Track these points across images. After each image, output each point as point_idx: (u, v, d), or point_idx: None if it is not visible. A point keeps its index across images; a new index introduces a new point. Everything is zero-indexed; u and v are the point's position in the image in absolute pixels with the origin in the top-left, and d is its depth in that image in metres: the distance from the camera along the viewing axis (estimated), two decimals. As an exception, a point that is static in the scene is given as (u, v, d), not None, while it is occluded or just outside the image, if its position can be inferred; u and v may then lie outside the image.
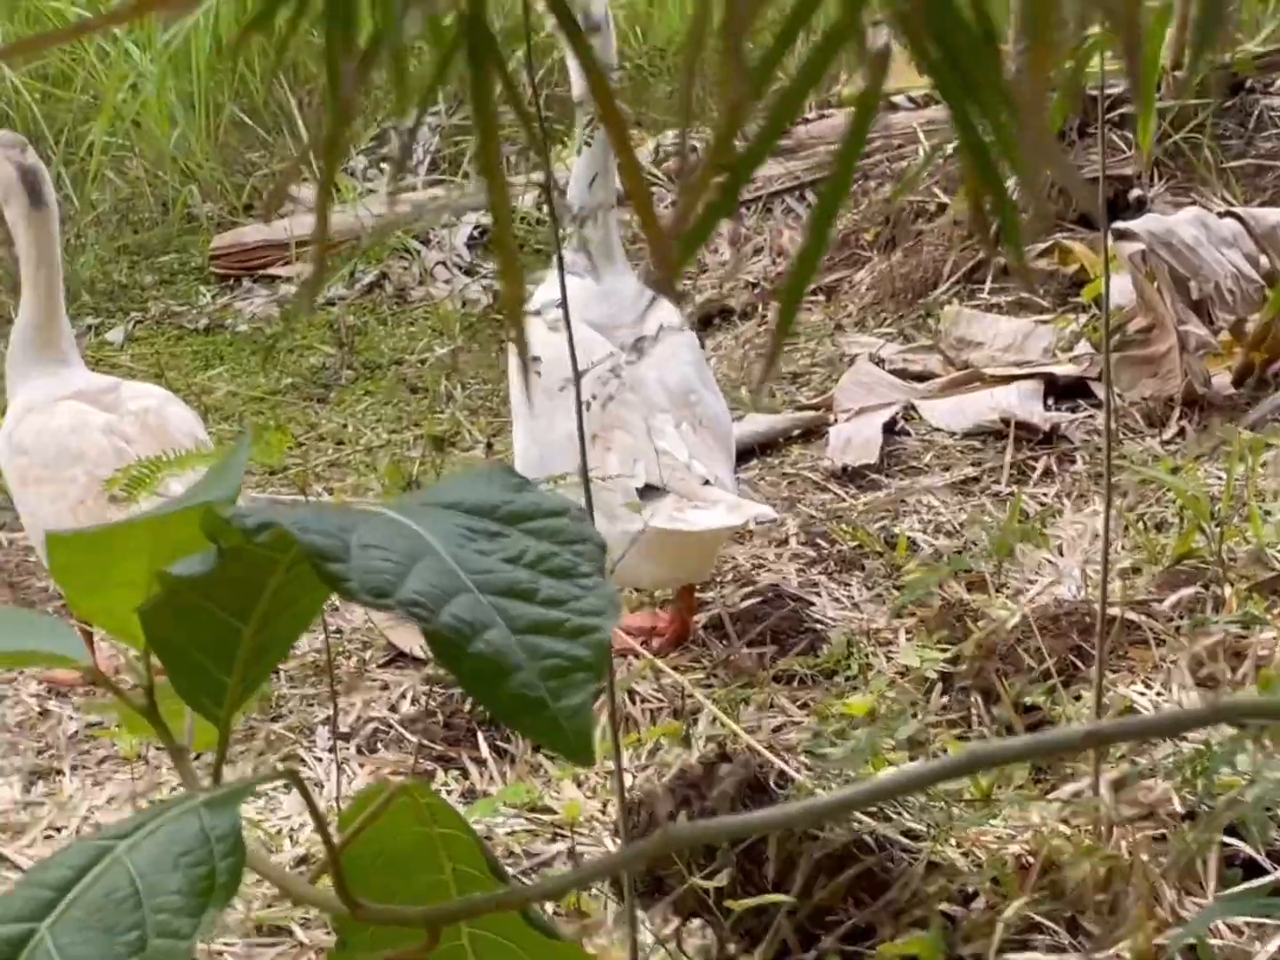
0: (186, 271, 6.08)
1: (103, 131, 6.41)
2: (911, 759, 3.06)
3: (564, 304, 2.08)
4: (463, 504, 1.22)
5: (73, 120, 6.59)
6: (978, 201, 0.82)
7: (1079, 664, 3.28)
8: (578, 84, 3.42)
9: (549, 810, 3.09)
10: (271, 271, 5.96)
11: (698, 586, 3.66)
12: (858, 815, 2.44)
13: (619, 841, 2.76)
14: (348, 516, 1.17)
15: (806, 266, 0.93)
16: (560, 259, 2.14)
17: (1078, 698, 3.17)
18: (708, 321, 5.30)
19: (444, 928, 1.18)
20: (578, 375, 2.14)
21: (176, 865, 1.11)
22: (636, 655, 3.45)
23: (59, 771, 3.41)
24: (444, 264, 5.83)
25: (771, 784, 2.50)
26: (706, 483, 3.38)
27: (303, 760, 3.37)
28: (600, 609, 1.17)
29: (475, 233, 5.96)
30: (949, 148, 5.51)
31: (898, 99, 6.23)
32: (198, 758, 1.36)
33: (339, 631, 3.75)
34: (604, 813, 3.01)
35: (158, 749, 3.41)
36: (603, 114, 0.93)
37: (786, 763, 2.58)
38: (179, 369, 5.35)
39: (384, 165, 6.51)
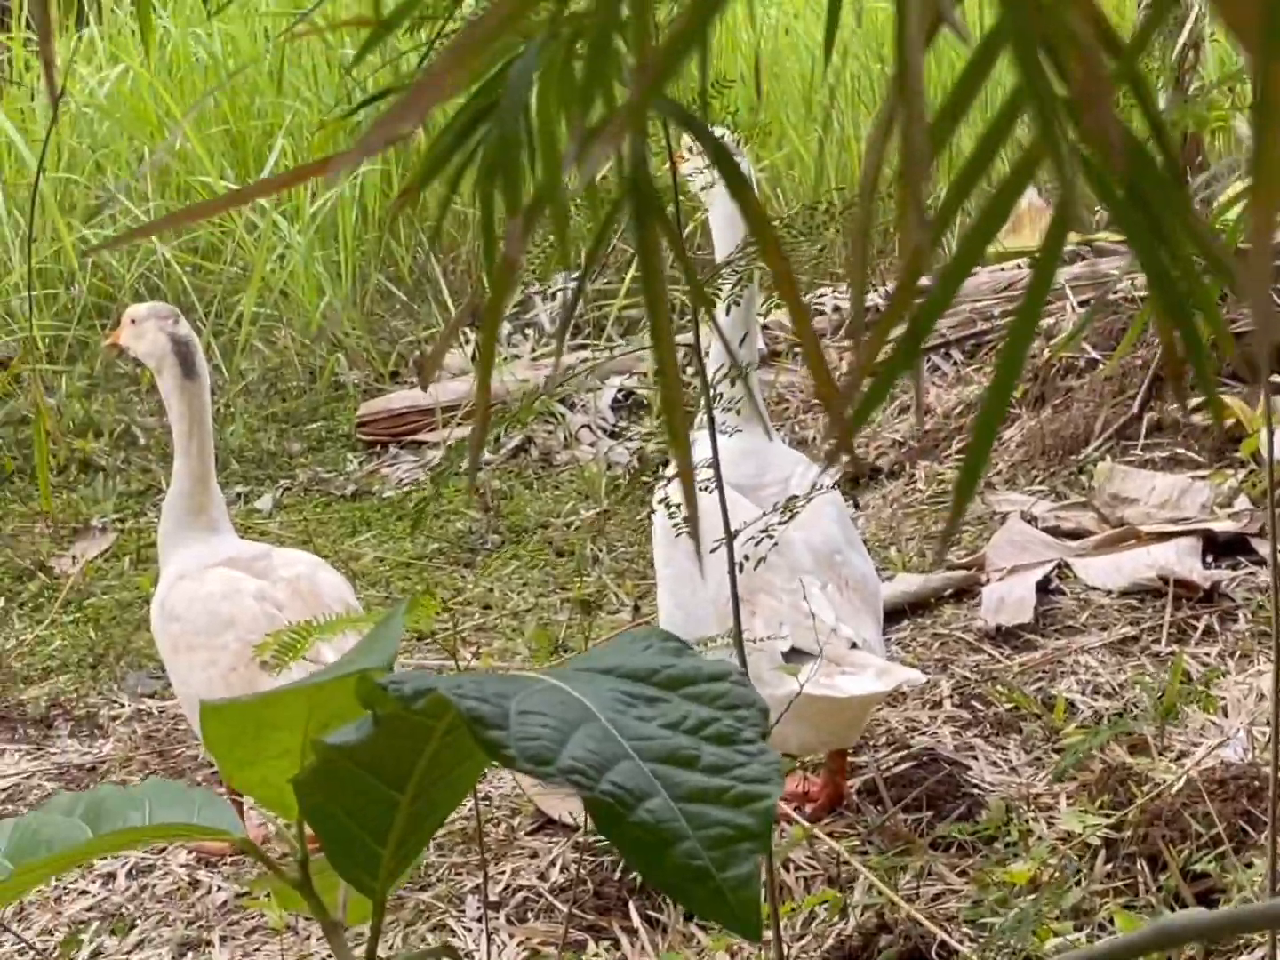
0: (334, 439, 6.13)
1: (251, 302, 6.51)
2: (1077, 929, 2.97)
3: (715, 464, 2.05)
4: (621, 669, 1.18)
5: (222, 292, 6.70)
6: (1169, 341, 0.78)
7: (1249, 830, 3.17)
8: (721, 245, 3.41)
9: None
10: (418, 437, 6.00)
11: (850, 750, 3.59)
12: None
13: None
14: (505, 682, 1.14)
15: (990, 423, 0.89)
16: (711, 419, 2.11)
17: (1249, 865, 3.06)
18: (855, 481, 5.25)
19: None
20: (730, 535, 2.10)
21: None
22: (790, 821, 3.37)
23: (209, 943, 3.38)
24: (589, 427, 5.84)
25: (933, 955, 2.42)
26: (854, 646, 3.31)
27: (452, 930, 3.32)
28: (765, 776, 1.13)
29: (619, 396, 5.97)
30: (1101, 304, 5.46)
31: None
32: (347, 929, 1.32)
33: (487, 798, 3.71)
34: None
35: (307, 919, 3.37)
36: (771, 264, 0.90)
37: (949, 934, 2.49)
38: (326, 535, 5.38)
39: (528, 331, 6.55)
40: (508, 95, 0.78)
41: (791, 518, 2.46)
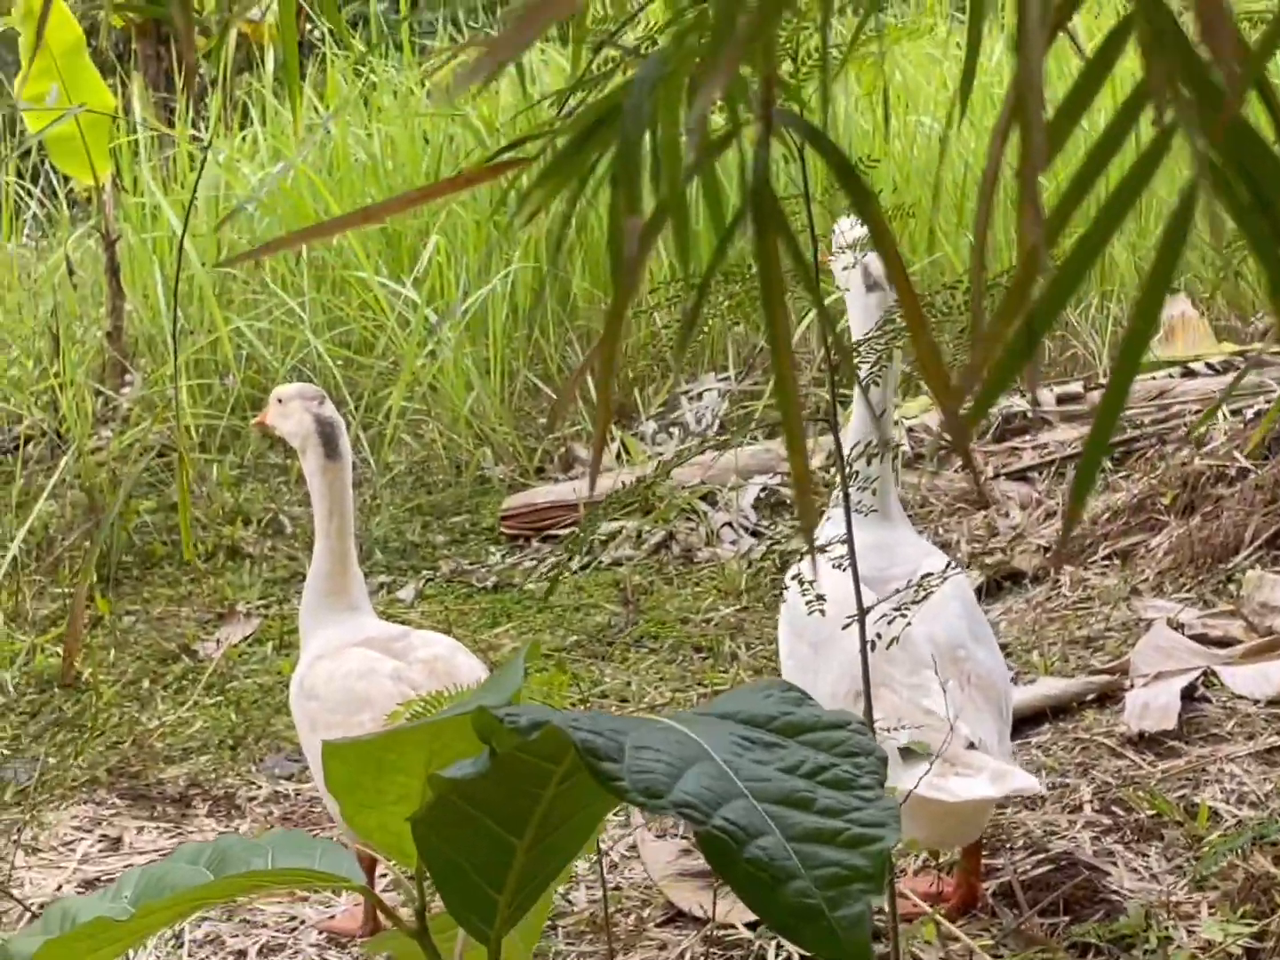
0: (477, 531, 6.17)
1: (400, 395, 6.58)
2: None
3: (850, 540, 2.04)
4: (739, 714, 1.18)
5: (372, 385, 6.79)
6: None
7: (1396, 943, 3.08)
8: (857, 329, 3.39)
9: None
10: (559, 532, 6.02)
11: (984, 851, 3.53)
12: None
13: None
14: (622, 721, 1.13)
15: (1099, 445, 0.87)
16: (846, 495, 2.10)
17: (1395, 979, 2.97)
18: (998, 585, 5.21)
19: None
20: (862, 615, 2.08)
21: None
22: (919, 919, 3.32)
23: (335, 1022, 3.37)
24: (730, 525, 5.84)
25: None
26: (971, 746, 3.25)
27: (578, 1019, 3.30)
28: (881, 821, 1.12)
29: (761, 494, 5.96)
30: (1249, 411, 5.40)
31: (1196, 365, 6.15)
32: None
33: (617, 887, 3.69)
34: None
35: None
36: (911, 324, 0.90)
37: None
38: (466, 625, 5.40)
39: (673, 430, 6.57)
40: (630, 103, 0.79)
41: (924, 598, 2.43)
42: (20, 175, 8.44)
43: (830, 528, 2.81)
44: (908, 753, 3.22)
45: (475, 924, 1.18)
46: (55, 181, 8.25)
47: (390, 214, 1.00)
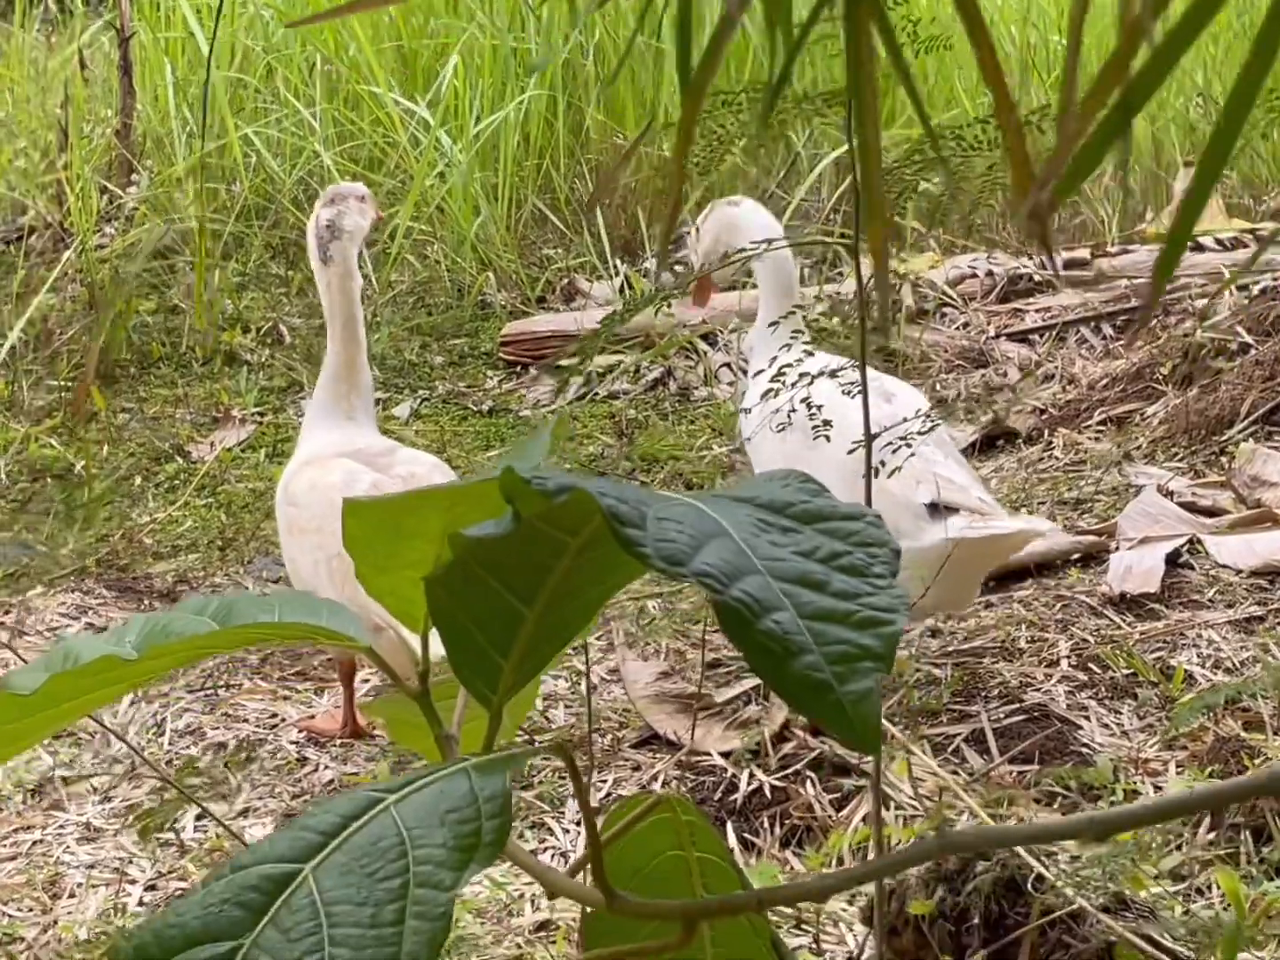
0: (475, 356, 6.17)
1: (408, 215, 6.56)
2: (1174, 889, 2.95)
3: (862, 365, 2.06)
4: (757, 499, 1.19)
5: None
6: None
7: (1360, 810, 3.13)
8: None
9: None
10: (558, 362, 6.03)
11: (959, 698, 3.58)
12: (1114, 923, 2.34)
13: (866, 931, 2.69)
14: (645, 493, 1.15)
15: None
16: (863, 319, 2.11)
17: (1356, 844, 3.02)
18: (992, 443, 5.23)
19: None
20: (869, 436, 2.10)
21: (443, 821, 1.09)
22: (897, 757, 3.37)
23: (310, 816, 3.42)
24: (729, 366, 5.85)
25: (1029, 887, 2.42)
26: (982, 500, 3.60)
27: (550, 829, 3.35)
28: (891, 606, 1.14)
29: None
30: (1255, 288, 5.40)
31: (1205, 240, 6.14)
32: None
33: (597, 708, 3.74)
34: (850, 904, 2.94)
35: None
36: (1001, 119, 0.90)
37: (1046, 868, 2.49)
38: (461, 447, 5.42)
39: (678, 269, 6.56)
40: None
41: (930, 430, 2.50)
42: (36, -35, 8.34)
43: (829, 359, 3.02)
44: (934, 509, 3.54)
45: (480, 688, 1.20)
46: (71, -26, 8.16)
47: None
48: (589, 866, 1.22)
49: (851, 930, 2.90)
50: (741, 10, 0.82)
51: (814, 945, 2.85)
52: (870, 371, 3.74)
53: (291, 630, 1.43)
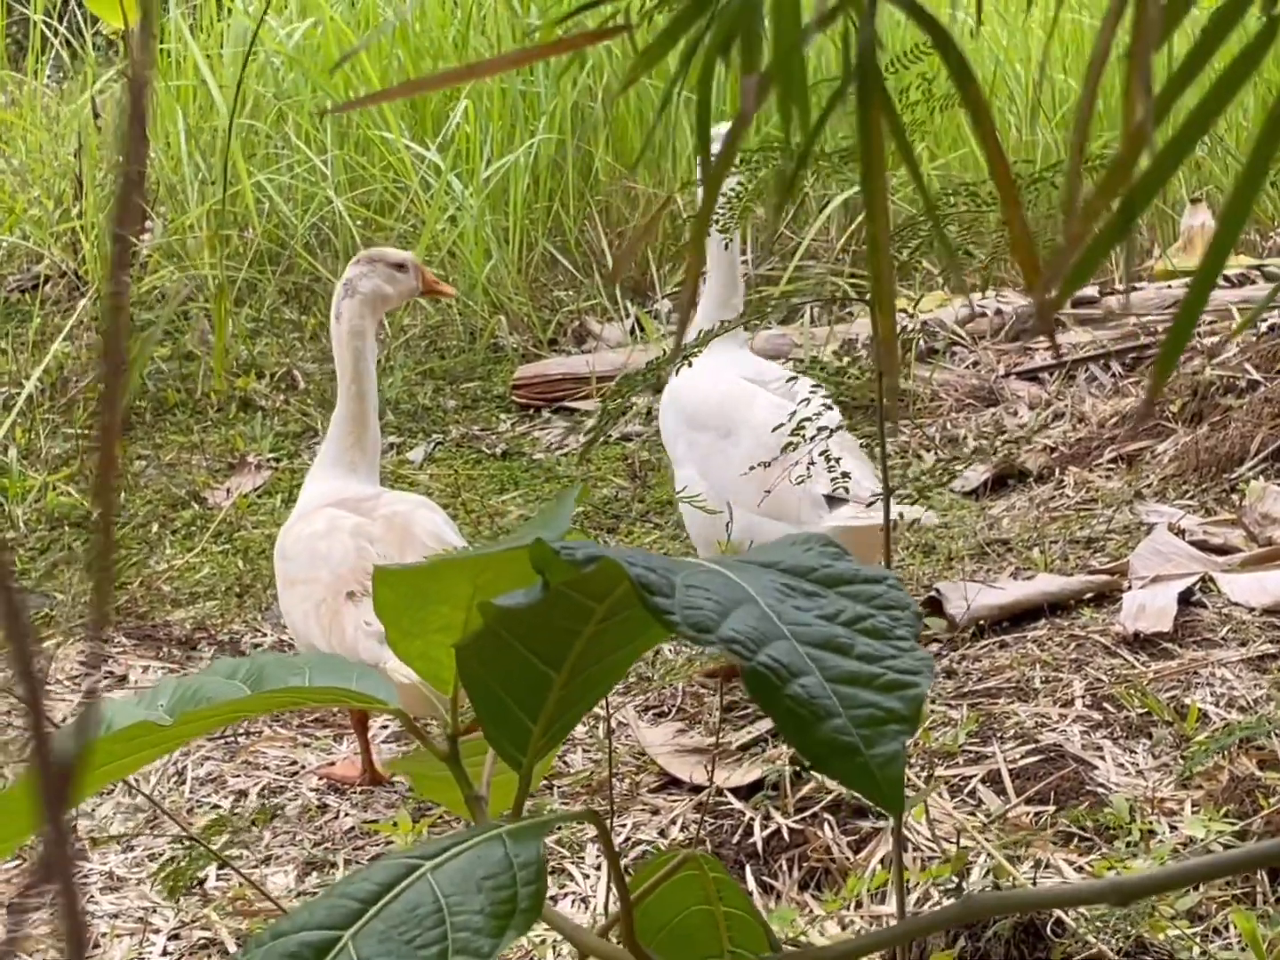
0: (488, 399, 6.20)
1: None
2: (1192, 930, 2.96)
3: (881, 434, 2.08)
4: (781, 564, 1.22)
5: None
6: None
7: (1375, 849, 3.14)
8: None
9: (811, 946, 3.03)
10: (571, 404, 6.06)
11: (975, 738, 3.60)
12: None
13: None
14: (672, 561, 1.18)
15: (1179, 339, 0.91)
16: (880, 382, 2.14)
17: (1372, 882, 3.03)
18: (1003, 482, 5.25)
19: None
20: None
21: (480, 887, 1.11)
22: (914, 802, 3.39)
23: (333, 864, 3.45)
24: (742, 407, 5.87)
25: (1048, 932, 2.43)
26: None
27: (570, 875, 3.37)
28: (916, 669, 1.16)
29: (775, 378, 5.99)
30: (1263, 325, 5.43)
31: (1211, 276, 6.16)
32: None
33: (615, 752, 3.76)
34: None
35: (428, 850, 3.44)
36: (1009, 220, 0.93)
37: (1065, 913, 2.51)
38: (475, 490, 5.45)
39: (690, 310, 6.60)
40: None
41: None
42: (48, 13, 8.40)
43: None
44: (831, 499, 3.83)
45: (509, 750, 1.23)
46: (82, 21, 8.22)
47: (495, 72, 1.03)
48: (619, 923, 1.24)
49: (871, 973, 2.91)
50: (756, 107, 0.85)
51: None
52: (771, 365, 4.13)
53: (322, 694, 1.46)
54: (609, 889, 3.21)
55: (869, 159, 0.90)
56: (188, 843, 2.86)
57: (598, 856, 3.37)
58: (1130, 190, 0.76)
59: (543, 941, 3.11)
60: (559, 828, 3.55)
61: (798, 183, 0.93)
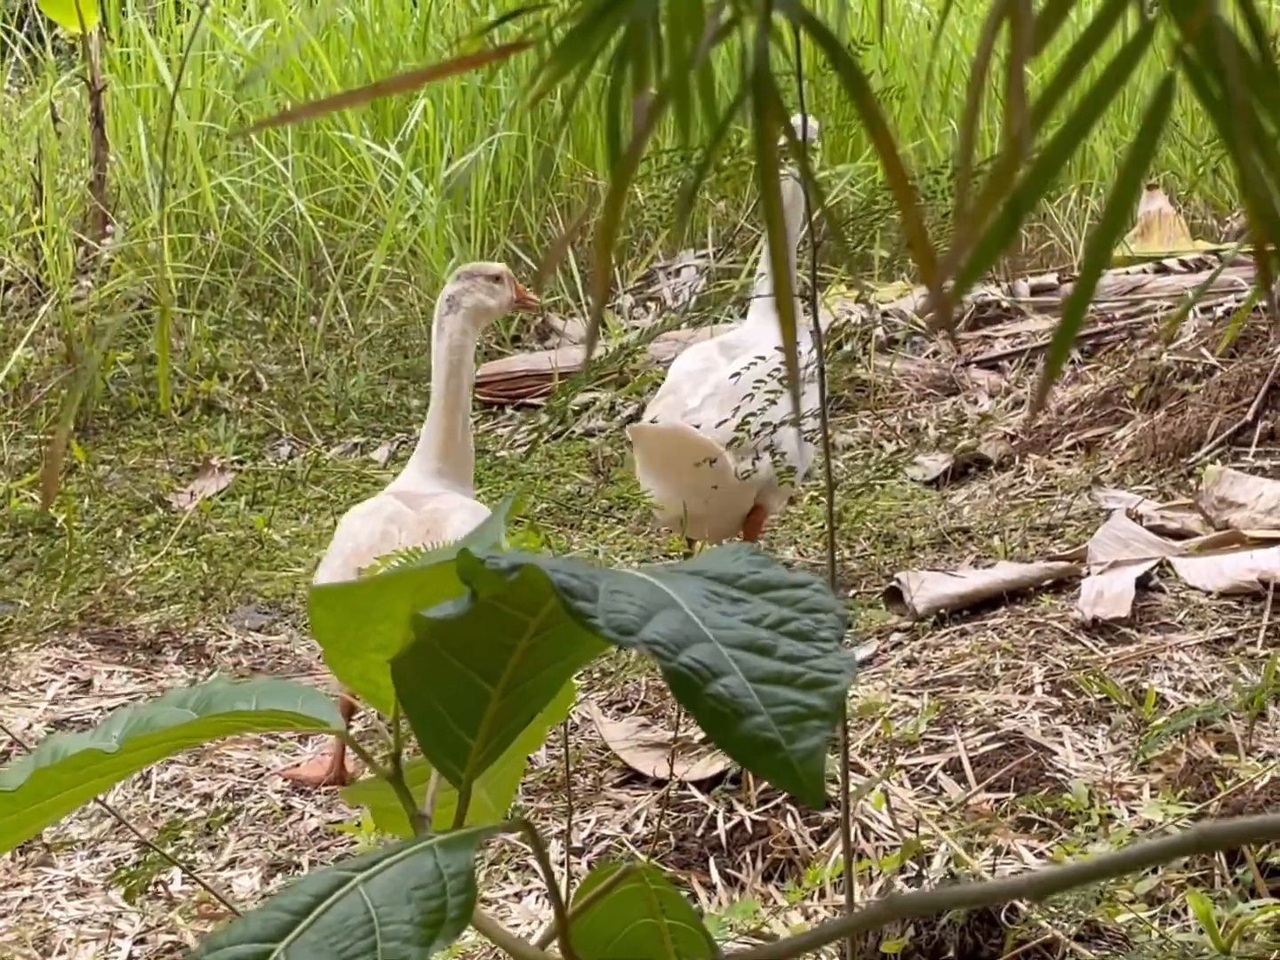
0: (452, 397, 6.21)
1: (381, 259, 6.61)
2: (1148, 913, 2.99)
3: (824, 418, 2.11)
4: (707, 572, 1.24)
5: (353, 247, 6.81)
6: (1261, 251, 0.81)
7: (1330, 829, 3.17)
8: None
9: (773, 938, 3.06)
10: (533, 401, 6.08)
11: (936, 726, 3.62)
12: (1087, 952, 2.38)
13: (844, 967, 2.73)
14: (596, 569, 1.19)
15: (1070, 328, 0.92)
16: (821, 373, 2.16)
17: (1327, 862, 3.07)
18: (963, 470, 5.28)
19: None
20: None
21: (410, 898, 1.13)
22: (873, 789, 3.42)
23: (298, 866, 3.46)
24: (703, 401, 5.89)
25: (1002, 918, 2.46)
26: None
27: (534, 871, 3.39)
28: (838, 668, 1.18)
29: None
30: (1219, 310, 5.46)
31: (1169, 262, 6.20)
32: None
33: (578, 748, 3.78)
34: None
35: (393, 849, 3.45)
36: (905, 221, 0.95)
37: (1020, 900, 2.53)
38: (439, 489, 5.46)
39: (650, 304, 6.61)
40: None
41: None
42: (6, 19, 8.39)
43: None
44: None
45: (449, 766, 1.25)
46: (41, 26, 8.21)
47: (398, 90, 1.04)
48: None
49: (832, 963, 2.94)
50: (651, 126, 0.87)
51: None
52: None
53: (269, 718, 1.47)
54: (570, 885, 3.23)
55: (765, 171, 0.92)
56: (148, 848, 2.88)
57: (562, 851, 3.39)
58: (1014, 194, 0.78)
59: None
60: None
61: (697, 194, 0.95)
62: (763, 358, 3.37)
